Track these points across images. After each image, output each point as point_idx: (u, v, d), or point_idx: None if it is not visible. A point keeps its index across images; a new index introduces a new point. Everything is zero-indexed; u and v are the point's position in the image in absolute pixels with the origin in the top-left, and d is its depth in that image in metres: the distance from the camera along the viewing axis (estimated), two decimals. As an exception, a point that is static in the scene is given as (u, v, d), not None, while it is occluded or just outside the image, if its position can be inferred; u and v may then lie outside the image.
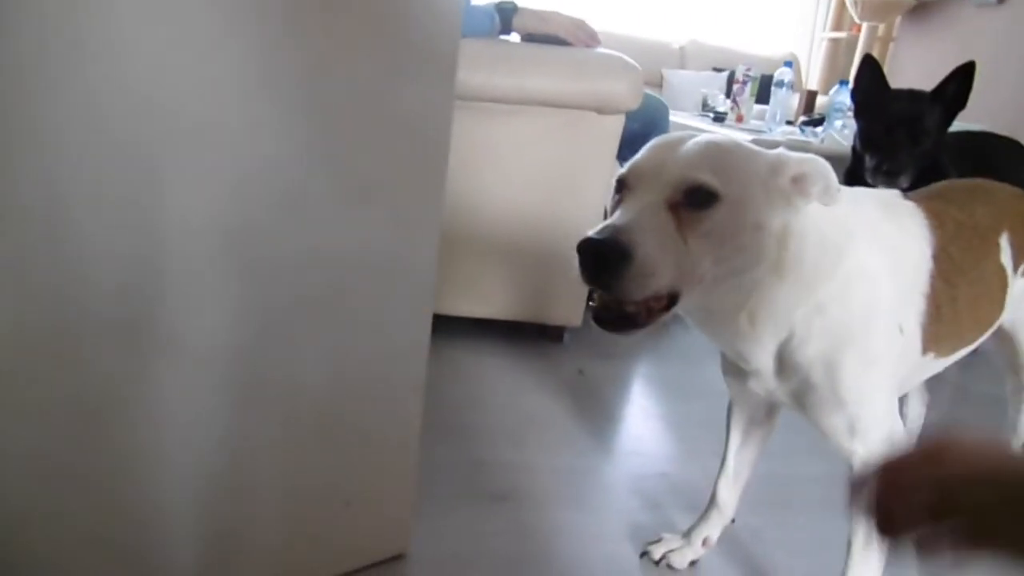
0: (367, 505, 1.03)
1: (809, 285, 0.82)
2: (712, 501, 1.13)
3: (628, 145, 1.66)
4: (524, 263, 1.83)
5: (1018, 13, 4.04)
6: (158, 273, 0.75)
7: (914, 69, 4.54)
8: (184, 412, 0.82)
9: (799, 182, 0.78)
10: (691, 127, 2.91)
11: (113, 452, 0.79)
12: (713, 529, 1.14)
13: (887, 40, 5.06)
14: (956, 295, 0.94)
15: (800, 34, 5.44)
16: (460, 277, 1.82)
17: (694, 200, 0.74)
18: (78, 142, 0.67)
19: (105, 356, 0.75)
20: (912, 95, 1.80)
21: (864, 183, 1.78)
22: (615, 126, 1.73)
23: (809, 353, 0.85)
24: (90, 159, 0.68)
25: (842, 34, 5.27)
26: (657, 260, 0.71)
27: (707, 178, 0.74)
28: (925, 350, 0.93)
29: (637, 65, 1.72)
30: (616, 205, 0.79)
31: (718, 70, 4.24)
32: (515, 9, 1.78)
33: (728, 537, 1.17)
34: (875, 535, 0.90)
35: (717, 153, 0.77)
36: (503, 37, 1.82)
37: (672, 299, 0.76)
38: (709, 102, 3.33)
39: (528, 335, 1.98)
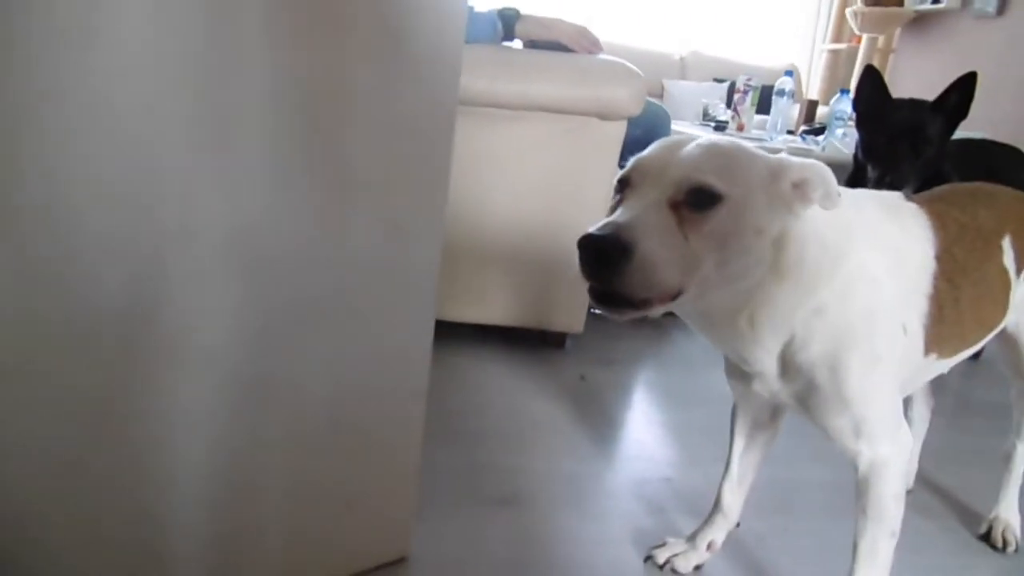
0: (369, 508, 1.02)
1: (809, 287, 0.82)
2: (716, 505, 1.12)
3: (630, 151, 1.65)
4: (526, 269, 1.83)
5: (1017, 24, 4.06)
6: (162, 273, 0.75)
7: (914, 81, 4.56)
8: (187, 412, 0.82)
9: (800, 187, 0.78)
10: (692, 135, 2.92)
11: (117, 452, 0.79)
12: (718, 533, 1.13)
13: (887, 52, 5.08)
14: (959, 296, 0.94)
15: (800, 46, 5.48)
16: (462, 283, 1.82)
17: (697, 200, 0.74)
18: (83, 140, 0.67)
19: (109, 354, 0.75)
20: (913, 105, 1.80)
21: None
22: (617, 132, 1.74)
23: (812, 354, 0.84)
24: (94, 158, 0.68)
25: (842, 46, 5.30)
26: (658, 257, 0.71)
27: (710, 179, 0.74)
28: (928, 351, 0.93)
29: (639, 71, 1.73)
30: (617, 204, 0.79)
31: (719, 81, 4.26)
32: (518, 16, 1.79)
33: (732, 542, 1.16)
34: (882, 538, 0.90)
35: (720, 155, 0.77)
36: (506, 44, 1.83)
37: (676, 292, 0.76)
38: (710, 112, 3.35)
39: (530, 341, 1.98)
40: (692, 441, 1.58)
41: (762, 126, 3.19)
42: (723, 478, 1.11)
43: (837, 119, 2.83)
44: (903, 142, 1.75)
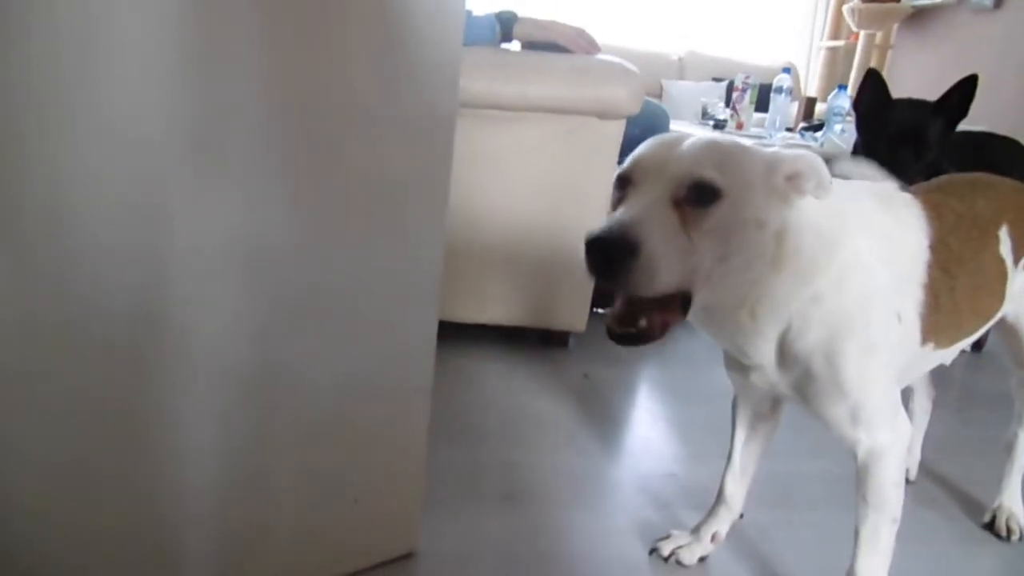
0: (376, 504, 1.04)
1: (806, 277, 0.83)
2: (720, 497, 1.13)
3: (629, 150, 1.66)
4: (528, 269, 1.84)
5: (1015, 17, 4.07)
6: (166, 275, 0.77)
7: (913, 76, 4.57)
8: (192, 412, 0.83)
9: (794, 179, 0.79)
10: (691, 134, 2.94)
11: (121, 453, 0.81)
12: (722, 525, 1.14)
13: (885, 48, 5.09)
14: (955, 285, 0.95)
15: (799, 44, 5.49)
16: (464, 284, 1.84)
17: (698, 196, 0.75)
18: (85, 142, 0.69)
19: (113, 356, 0.77)
20: (915, 106, 1.81)
21: None
22: (616, 131, 1.75)
23: (808, 343, 0.86)
24: (96, 160, 0.70)
25: (840, 43, 5.31)
26: (663, 254, 0.72)
27: (711, 175, 0.75)
28: (924, 340, 0.94)
29: (637, 71, 1.74)
30: (618, 201, 0.80)
31: (717, 80, 4.28)
32: (515, 18, 1.81)
33: (736, 534, 1.17)
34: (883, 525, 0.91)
35: (718, 151, 0.79)
36: (504, 46, 1.85)
37: (684, 304, 0.78)
38: (709, 111, 3.36)
39: (533, 341, 1.99)
40: (696, 437, 1.59)
41: (761, 124, 3.21)
42: (725, 470, 1.12)
43: (835, 115, 2.84)
44: (905, 145, 1.76)
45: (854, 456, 0.92)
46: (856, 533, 0.95)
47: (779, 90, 3.01)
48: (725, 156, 0.78)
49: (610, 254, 0.71)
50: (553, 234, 1.80)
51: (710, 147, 0.79)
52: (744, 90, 3.14)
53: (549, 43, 1.82)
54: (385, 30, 0.83)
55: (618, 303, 0.79)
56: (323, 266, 0.87)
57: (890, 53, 5.08)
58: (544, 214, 1.80)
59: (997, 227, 1.03)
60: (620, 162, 1.78)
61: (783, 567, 1.16)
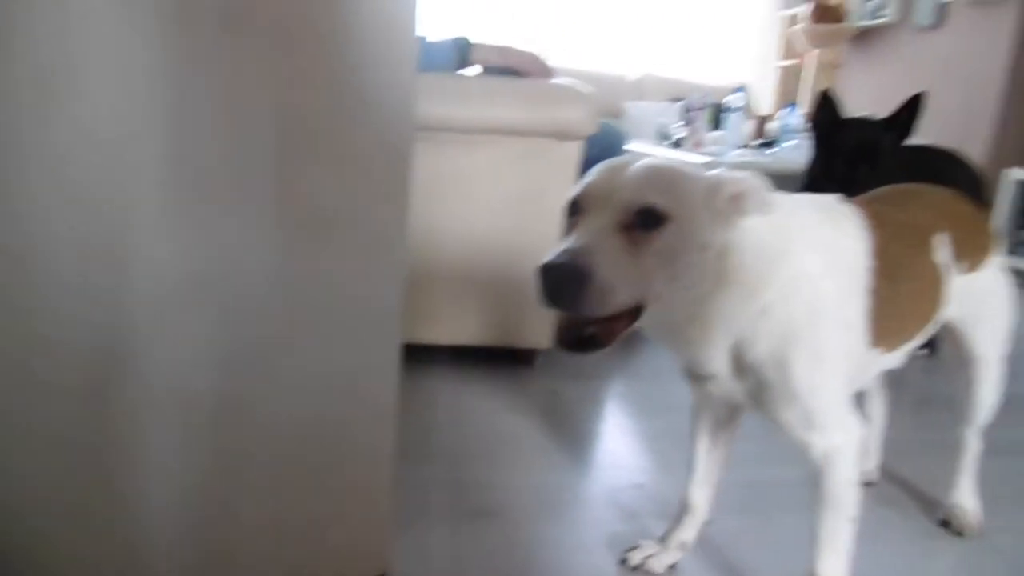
0: (346, 527, 1.04)
1: (753, 292, 0.87)
2: (685, 505, 1.16)
3: (588, 170, 1.72)
4: (491, 289, 1.87)
5: (955, 35, 4.25)
6: (127, 307, 0.77)
7: (862, 93, 4.72)
8: (157, 442, 0.84)
9: (736, 200, 0.83)
10: (650, 154, 3.00)
11: (87, 483, 0.80)
12: (688, 532, 1.17)
13: (834, 66, 5.27)
14: (897, 291, 0.99)
15: (752, 64, 5.64)
16: (430, 306, 1.85)
17: (645, 221, 0.79)
18: (42, 175, 0.70)
19: (74, 388, 0.77)
20: (867, 124, 1.91)
21: None
22: (573, 152, 1.80)
23: (760, 353, 0.89)
24: (55, 192, 0.71)
25: (791, 62, 5.48)
26: (614, 279, 0.76)
27: (656, 200, 0.79)
28: (872, 344, 0.98)
29: (592, 93, 1.79)
30: (569, 228, 0.83)
31: (674, 100, 4.37)
32: (471, 44, 1.85)
33: (704, 541, 1.20)
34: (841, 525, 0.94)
35: (662, 175, 0.82)
36: (462, 71, 1.88)
37: (633, 315, 0.81)
38: (667, 130, 3.44)
39: (500, 360, 2.01)
40: (662, 448, 1.62)
41: (717, 142, 3.29)
42: (690, 478, 1.15)
43: (786, 132, 2.93)
44: (861, 161, 1.85)
45: (810, 459, 0.95)
46: (815, 533, 0.98)
47: (732, 109, 3.09)
48: (669, 181, 0.82)
49: (562, 282, 0.75)
50: (514, 253, 1.82)
51: (655, 173, 0.82)
52: (700, 110, 3.23)
53: (505, 68, 1.87)
54: (340, 57, 0.86)
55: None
56: (284, 292, 0.88)
57: (839, 72, 5.25)
58: (505, 234, 1.83)
59: (934, 234, 1.08)
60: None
61: (750, 571, 1.18)
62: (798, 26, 5.05)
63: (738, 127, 3.15)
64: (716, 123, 3.33)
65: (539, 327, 1.90)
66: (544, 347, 1.95)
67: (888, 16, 4.65)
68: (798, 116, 2.98)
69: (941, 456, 1.38)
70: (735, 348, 0.90)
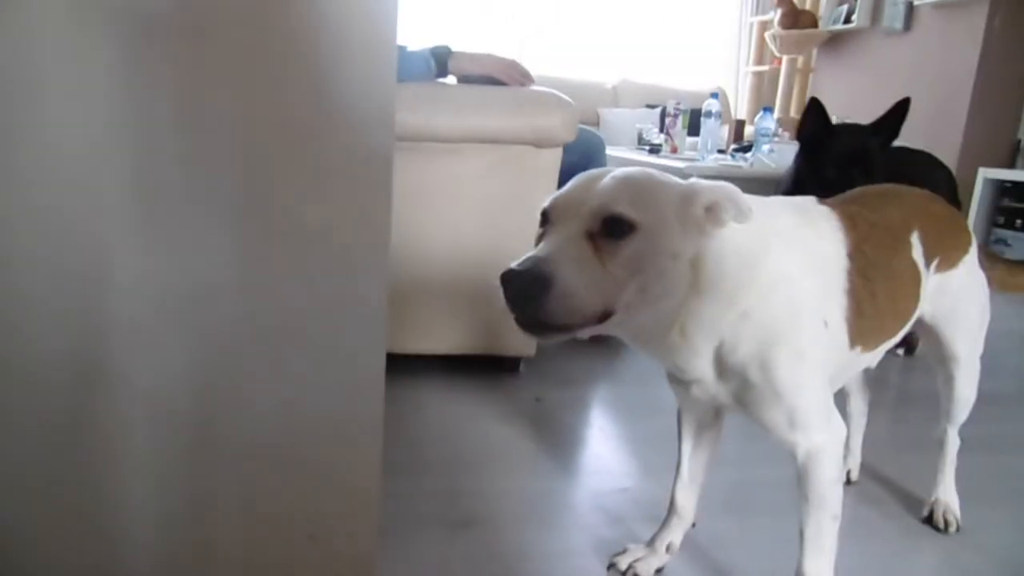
0: (330, 537, 1.03)
1: (732, 297, 0.88)
2: (672, 508, 1.16)
3: (567, 177, 1.72)
4: (474, 297, 1.86)
5: (923, 39, 4.33)
6: (104, 320, 0.77)
7: (834, 96, 4.79)
8: (136, 455, 0.83)
9: (712, 211, 0.84)
10: (627, 160, 3.03)
11: (65, 512, 0.79)
12: (675, 535, 1.17)
13: (807, 71, 5.34)
14: (875, 290, 1.01)
15: (726, 70, 5.72)
16: (414, 315, 1.85)
17: (612, 230, 0.80)
18: (13, 213, 0.70)
19: (52, 399, 0.76)
20: (856, 130, 1.96)
21: None
22: (554, 159, 1.80)
23: (742, 355, 0.90)
24: (27, 228, 0.71)
25: (765, 67, 5.55)
26: (577, 286, 0.77)
27: (623, 209, 0.80)
28: (852, 344, 0.99)
29: (570, 100, 1.80)
30: (540, 238, 0.84)
31: (651, 106, 4.42)
32: (450, 52, 1.85)
33: (691, 543, 1.20)
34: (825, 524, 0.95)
35: (633, 185, 0.83)
36: (440, 80, 1.89)
37: (600, 319, 0.81)
38: (644, 136, 3.47)
39: (484, 368, 2.01)
40: (647, 451, 1.62)
41: (694, 147, 3.32)
42: (675, 481, 1.15)
43: (762, 136, 2.97)
44: (852, 166, 1.89)
45: (794, 458, 0.96)
46: (801, 533, 0.98)
47: (709, 114, 3.12)
48: (639, 190, 0.83)
49: (524, 288, 0.76)
50: (496, 261, 1.78)
51: (625, 182, 0.83)
52: (676, 115, 3.26)
53: (484, 76, 1.87)
54: (317, 67, 0.85)
55: None
56: (265, 305, 0.88)
57: (812, 76, 5.33)
58: (486, 241, 1.83)
59: (908, 233, 1.10)
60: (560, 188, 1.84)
61: (737, 572, 1.19)
62: (770, 32, 5.13)
63: (715, 132, 3.18)
64: (692, 128, 3.36)
65: (523, 334, 1.90)
66: (528, 354, 1.95)
67: (857, 21, 4.73)
68: (773, 120, 3.02)
69: (919, 453, 1.40)
70: (718, 352, 0.91)
